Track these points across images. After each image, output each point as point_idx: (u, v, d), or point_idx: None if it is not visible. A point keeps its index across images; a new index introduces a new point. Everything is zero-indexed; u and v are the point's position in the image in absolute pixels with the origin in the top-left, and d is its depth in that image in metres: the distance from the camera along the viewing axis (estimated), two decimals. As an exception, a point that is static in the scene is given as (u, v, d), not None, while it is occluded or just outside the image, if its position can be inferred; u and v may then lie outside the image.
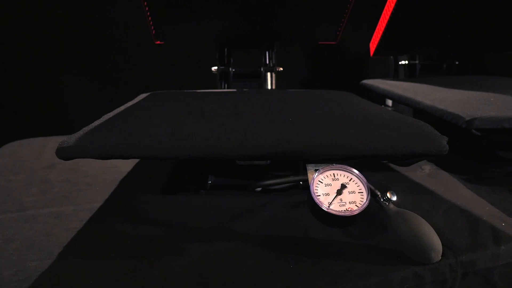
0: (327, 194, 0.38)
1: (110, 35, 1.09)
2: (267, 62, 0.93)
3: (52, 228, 0.50)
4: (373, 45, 0.99)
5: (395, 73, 1.12)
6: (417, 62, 1.07)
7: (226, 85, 0.91)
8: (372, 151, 0.41)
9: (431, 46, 1.00)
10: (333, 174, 0.40)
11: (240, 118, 0.50)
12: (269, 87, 0.90)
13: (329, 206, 0.38)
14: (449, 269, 0.42)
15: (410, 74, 1.09)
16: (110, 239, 0.46)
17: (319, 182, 0.39)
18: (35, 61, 1.12)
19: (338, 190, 0.39)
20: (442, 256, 0.43)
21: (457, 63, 1.08)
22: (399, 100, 0.78)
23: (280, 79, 1.39)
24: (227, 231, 0.48)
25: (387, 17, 0.89)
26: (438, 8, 0.88)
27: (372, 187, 0.43)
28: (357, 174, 0.40)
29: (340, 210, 0.37)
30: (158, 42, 0.77)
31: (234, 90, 0.75)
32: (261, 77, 0.90)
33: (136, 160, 0.75)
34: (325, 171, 0.40)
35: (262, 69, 0.89)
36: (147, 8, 0.68)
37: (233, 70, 0.89)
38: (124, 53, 1.09)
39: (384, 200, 0.42)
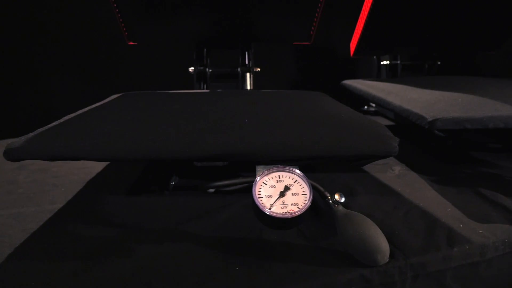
0: (270, 196, 0.38)
1: (101, 35, 1.09)
2: (246, 62, 0.93)
3: (8, 229, 0.50)
4: (353, 45, 0.98)
5: (378, 73, 1.11)
6: (398, 62, 1.07)
7: (204, 86, 0.91)
8: (320, 153, 0.41)
9: (411, 46, 1.00)
10: (278, 175, 0.40)
11: (198, 119, 0.50)
12: (248, 87, 0.90)
13: (270, 208, 0.37)
14: (398, 271, 0.42)
15: (392, 74, 1.09)
16: (63, 240, 0.46)
17: (263, 184, 0.39)
18: (21, 63, 1.13)
19: (281, 192, 0.38)
20: (391, 258, 0.42)
21: (439, 63, 1.07)
22: (372, 101, 0.78)
23: (267, 79, 1.39)
24: (181, 233, 0.48)
25: (365, 17, 0.88)
26: (416, 8, 0.88)
27: (322, 189, 0.43)
28: (302, 176, 0.40)
29: (282, 212, 0.37)
30: (131, 43, 0.77)
31: (207, 91, 0.75)
32: (238, 78, 0.90)
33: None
34: (270, 172, 0.40)
35: (239, 70, 0.89)
36: (117, 10, 0.67)
37: (210, 70, 0.88)
38: (108, 54, 1.09)
39: (332, 202, 0.42)
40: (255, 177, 0.40)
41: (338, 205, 0.42)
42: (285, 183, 0.39)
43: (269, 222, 0.38)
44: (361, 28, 0.91)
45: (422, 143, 0.84)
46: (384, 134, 0.44)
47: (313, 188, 0.42)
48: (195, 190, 0.57)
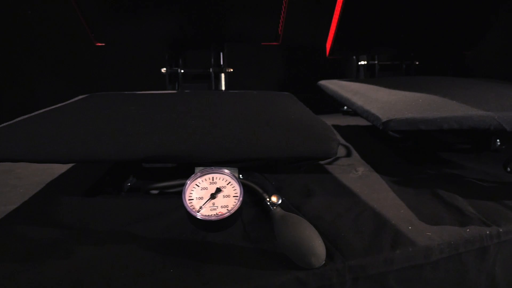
0: (201, 198, 0.38)
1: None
2: (221, 63, 0.93)
3: (-43, 231, 0.50)
4: (328, 45, 0.98)
5: (356, 73, 1.11)
6: (376, 62, 1.06)
7: (177, 87, 0.91)
8: (257, 155, 0.41)
9: (388, 46, 0.99)
10: (212, 177, 0.39)
11: (147, 120, 0.50)
12: (221, 88, 0.90)
13: (198, 211, 0.37)
14: (336, 274, 0.42)
15: (370, 74, 1.08)
16: (7, 241, 0.46)
17: (196, 186, 0.39)
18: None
19: (212, 194, 0.38)
20: (330, 261, 0.42)
21: (417, 63, 1.07)
22: (340, 101, 0.77)
23: (253, 79, 1.39)
24: (127, 234, 0.48)
25: (337, 17, 0.88)
26: (389, 8, 0.87)
27: (261, 191, 0.42)
28: (236, 178, 0.39)
29: (210, 214, 0.37)
30: (99, 44, 0.77)
31: (173, 91, 0.75)
32: (211, 78, 0.90)
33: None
34: (204, 174, 0.39)
35: (211, 70, 0.89)
36: (79, 10, 0.67)
37: (182, 71, 0.88)
38: (86, 54, 1.09)
39: (269, 204, 0.42)
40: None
41: (275, 207, 0.42)
42: (218, 185, 0.39)
43: (198, 224, 0.38)
44: (334, 28, 0.91)
45: (393, 144, 0.84)
46: (325, 136, 0.44)
47: (252, 190, 0.42)
48: (138, 192, 0.57)
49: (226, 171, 0.39)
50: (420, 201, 0.57)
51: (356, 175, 0.68)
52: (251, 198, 0.56)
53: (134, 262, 0.42)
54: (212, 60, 0.89)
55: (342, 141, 0.89)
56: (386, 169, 0.69)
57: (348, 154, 0.79)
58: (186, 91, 0.81)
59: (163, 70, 0.89)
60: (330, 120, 1.12)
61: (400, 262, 0.44)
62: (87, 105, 0.60)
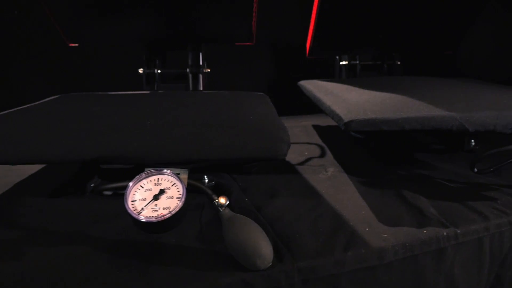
0: (144, 200, 0.38)
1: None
2: (200, 63, 0.93)
3: None
4: (308, 45, 0.98)
5: (339, 74, 1.10)
6: (357, 62, 1.06)
7: (155, 87, 0.91)
8: (205, 156, 0.40)
9: (367, 46, 0.99)
10: (157, 179, 0.39)
11: (104, 121, 0.50)
12: (201, 88, 0.90)
13: (140, 212, 0.37)
14: (285, 276, 0.41)
15: (352, 75, 1.08)
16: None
17: (140, 187, 0.39)
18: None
19: (155, 196, 0.38)
20: (279, 262, 0.42)
21: (399, 62, 1.06)
22: (314, 101, 0.77)
23: (242, 79, 1.38)
24: (82, 236, 0.47)
25: (314, 18, 0.88)
26: (365, 7, 0.87)
27: (210, 192, 0.42)
28: (180, 179, 0.39)
29: (152, 216, 0.37)
30: (72, 44, 0.77)
31: (144, 92, 0.75)
32: (188, 79, 0.90)
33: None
34: (149, 176, 0.39)
35: (188, 71, 0.89)
36: (49, 11, 0.67)
37: (159, 71, 0.88)
38: (65, 53, 1.09)
39: (217, 205, 0.42)
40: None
41: (224, 208, 0.41)
42: (162, 186, 0.39)
43: (140, 225, 0.38)
44: (312, 28, 0.91)
45: (369, 145, 0.83)
46: (275, 137, 0.44)
47: (201, 191, 0.41)
48: (92, 192, 0.57)
49: (169, 171, 0.39)
50: (383, 202, 0.57)
51: (326, 175, 0.68)
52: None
53: (82, 265, 0.41)
54: (189, 60, 0.89)
55: (319, 141, 0.89)
56: (357, 170, 0.69)
57: (322, 155, 0.79)
58: (159, 91, 0.81)
59: (140, 70, 0.89)
60: (312, 120, 1.12)
61: (352, 264, 0.44)
62: (52, 106, 0.60)
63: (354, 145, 0.85)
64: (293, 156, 0.78)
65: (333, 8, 0.85)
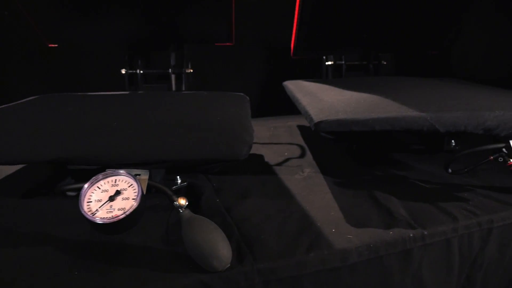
0: (100, 201, 0.38)
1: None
2: (182, 63, 0.93)
3: None
4: (292, 45, 0.98)
5: (325, 74, 1.10)
6: (343, 62, 1.05)
7: (138, 87, 0.91)
8: (165, 157, 0.40)
9: (351, 46, 0.99)
10: (115, 180, 0.39)
11: (73, 122, 0.50)
12: (176, 88, 0.90)
13: (94, 213, 0.37)
14: (244, 277, 0.41)
15: (338, 75, 1.08)
16: None
17: (97, 188, 0.39)
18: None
19: (111, 197, 0.38)
20: (239, 264, 0.42)
21: (384, 63, 1.06)
22: (293, 101, 0.77)
23: (232, 79, 1.38)
24: (46, 237, 0.47)
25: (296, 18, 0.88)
26: (347, 7, 0.87)
27: (170, 193, 0.42)
28: (136, 180, 0.39)
29: (105, 217, 0.37)
30: (51, 45, 0.77)
31: (122, 93, 0.75)
32: (170, 79, 0.89)
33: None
34: (106, 177, 0.39)
35: (170, 71, 0.89)
36: (26, 12, 0.67)
37: (141, 72, 0.88)
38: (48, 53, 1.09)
39: (177, 206, 0.41)
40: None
41: (184, 209, 0.41)
42: (119, 187, 0.39)
43: (95, 227, 0.38)
44: (295, 29, 0.91)
45: (349, 146, 0.83)
46: (236, 139, 0.43)
47: (161, 193, 0.41)
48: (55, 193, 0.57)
49: (124, 172, 0.39)
50: (355, 203, 0.56)
51: (302, 176, 0.67)
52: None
53: (42, 266, 0.41)
54: (171, 60, 0.88)
55: (301, 142, 0.88)
56: (334, 171, 0.69)
57: (302, 155, 0.79)
58: (138, 92, 0.81)
59: (123, 71, 0.89)
60: (299, 121, 1.11)
61: (314, 265, 0.44)
62: (26, 107, 0.60)
63: (335, 146, 0.84)
64: (272, 156, 0.78)
65: (314, 8, 0.85)
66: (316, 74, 1.27)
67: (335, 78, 1.06)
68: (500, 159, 0.58)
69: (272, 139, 0.91)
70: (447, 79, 0.90)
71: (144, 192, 0.41)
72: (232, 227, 0.49)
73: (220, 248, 0.39)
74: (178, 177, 0.59)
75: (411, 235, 0.48)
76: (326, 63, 1.06)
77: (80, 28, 0.76)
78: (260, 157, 0.78)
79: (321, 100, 0.66)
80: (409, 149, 0.79)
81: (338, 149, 0.83)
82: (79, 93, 0.75)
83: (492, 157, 0.59)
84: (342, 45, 0.99)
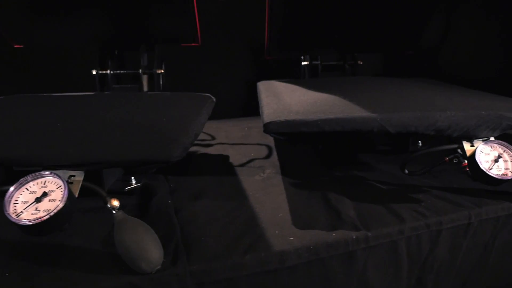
0: (26, 202, 0.38)
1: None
2: (154, 64, 0.92)
3: None
4: (266, 46, 0.97)
5: (302, 74, 1.10)
6: (318, 62, 1.05)
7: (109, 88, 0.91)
8: (96, 159, 0.40)
9: (326, 47, 0.98)
10: (44, 181, 0.39)
11: (21, 123, 0.50)
12: (146, 88, 0.90)
13: (18, 215, 0.37)
14: (177, 279, 0.41)
15: (313, 75, 1.07)
16: None
17: (25, 190, 0.39)
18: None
19: (37, 198, 0.38)
20: (172, 266, 0.42)
21: (360, 63, 1.05)
22: (259, 101, 0.77)
23: (218, 81, 1.37)
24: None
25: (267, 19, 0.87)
26: (317, 7, 0.87)
27: (104, 194, 0.42)
28: (65, 181, 0.39)
29: (29, 218, 0.37)
30: (17, 46, 0.78)
31: (89, 93, 0.74)
32: (140, 80, 0.90)
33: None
34: (35, 178, 0.39)
35: (140, 72, 0.89)
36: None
37: (111, 72, 0.88)
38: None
39: (110, 208, 0.41)
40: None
41: (117, 210, 0.41)
42: (47, 189, 0.39)
43: (19, 228, 0.38)
44: (266, 29, 0.90)
45: (317, 147, 0.83)
46: (169, 140, 0.43)
47: (96, 194, 0.41)
48: None
49: (50, 173, 0.39)
50: (306, 204, 0.56)
51: (261, 177, 0.67)
52: (137, 201, 0.57)
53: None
54: (142, 61, 0.88)
55: (271, 142, 0.88)
56: (295, 172, 0.68)
57: (267, 156, 0.78)
58: (104, 93, 0.81)
59: (93, 71, 0.89)
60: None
61: (250, 267, 0.44)
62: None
63: (304, 147, 0.84)
64: (238, 157, 0.78)
65: (283, 8, 0.85)
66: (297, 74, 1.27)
67: (312, 78, 1.05)
68: (455, 160, 0.58)
69: (242, 139, 0.91)
70: (420, 80, 0.89)
71: (76, 194, 0.41)
72: (175, 228, 0.49)
73: (149, 250, 0.39)
74: (132, 178, 0.59)
75: (354, 237, 0.48)
76: (302, 63, 1.06)
77: (45, 28, 0.76)
78: (226, 157, 0.78)
79: (280, 101, 0.66)
80: (376, 149, 0.79)
81: (305, 150, 0.82)
82: (43, 94, 0.75)
83: (447, 158, 0.59)
84: (316, 45, 0.98)
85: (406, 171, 0.61)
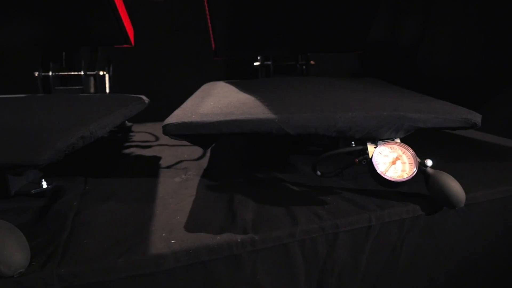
0: None
1: None
2: (97, 66, 0.92)
3: None
4: (213, 47, 0.97)
5: (260, 75, 1.09)
6: (270, 63, 1.04)
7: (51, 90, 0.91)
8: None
9: (273, 47, 0.98)
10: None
11: None
12: (91, 91, 0.90)
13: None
14: (42, 283, 0.41)
15: (266, 75, 1.07)
16: None
17: None
18: None
19: None
20: (41, 269, 0.41)
21: (312, 62, 1.05)
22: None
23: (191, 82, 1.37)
24: None
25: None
26: (256, 7, 0.86)
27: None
28: None
29: None
30: None
31: (23, 95, 0.75)
32: (82, 81, 0.90)
33: None
34: None
35: (82, 73, 0.89)
36: None
37: (53, 74, 0.89)
38: None
39: None
40: None
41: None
42: None
43: None
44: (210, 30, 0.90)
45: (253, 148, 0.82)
46: (39, 143, 0.43)
47: None
48: None
49: None
50: (209, 207, 0.56)
51: (181, 179, 0.67)
52: (43, 203, 0.57)
53: None
54: (83, 62, 0.89)
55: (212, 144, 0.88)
56: (215, 174, 0.68)
57: (199, 158, 0.78)
58: (38, 95, 0.81)
59: (36, 73, 0.89)
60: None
61: (123, 271, 0.43)
62: None
63: (242, 150, 0.84)
64: (169, 158, 0.78)
65: (223, 9, 0.84)
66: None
67: (261, 79, 1.05)
68: (364, 162, 0.57)
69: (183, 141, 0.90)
70: (364, 81, 0.88)
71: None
72: (64, 231, 0.49)
73: (9, 253, 0.39)
74: (43, 180, 0.60)
75: (239, 240, 0.47)
76: (254, 63, 1.06)
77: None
78: (158, 159, 0.78)
79: (201, 103, 0.65)
80: (307, 151, 0.78)
81: (240, 152, 0.82)
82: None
83: (357, 160, 0.58)
84: (265, 45, 0.98)
85: (318, 173, 0.60)
